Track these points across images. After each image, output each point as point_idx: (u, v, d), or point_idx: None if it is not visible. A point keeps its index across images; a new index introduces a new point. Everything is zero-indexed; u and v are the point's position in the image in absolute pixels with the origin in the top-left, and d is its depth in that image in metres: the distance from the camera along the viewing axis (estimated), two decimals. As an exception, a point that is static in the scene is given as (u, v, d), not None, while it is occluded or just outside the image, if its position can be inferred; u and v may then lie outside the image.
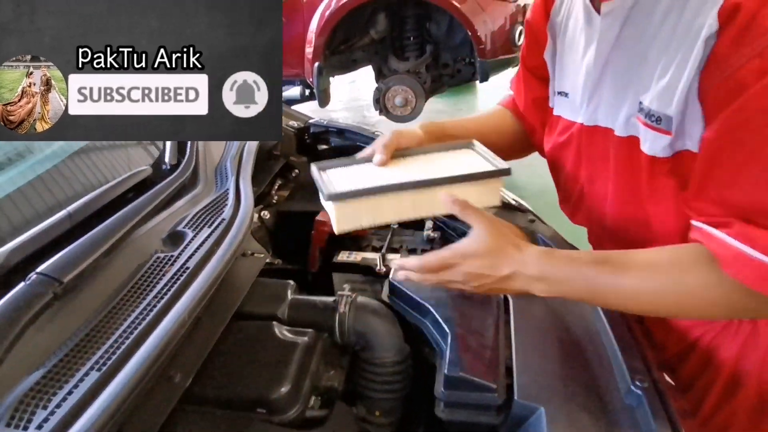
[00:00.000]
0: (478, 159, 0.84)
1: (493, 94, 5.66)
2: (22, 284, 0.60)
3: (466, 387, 0.74)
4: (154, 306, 0.64)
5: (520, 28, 3.56)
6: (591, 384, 0.77)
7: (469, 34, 3.43)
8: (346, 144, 1.40)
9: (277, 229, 1.28)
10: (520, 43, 3.63)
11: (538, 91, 0.98)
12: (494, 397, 0.73)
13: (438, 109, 5.18)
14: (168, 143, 1.00)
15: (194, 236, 0.79)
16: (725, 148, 0.63)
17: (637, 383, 0.73)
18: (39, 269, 0.62)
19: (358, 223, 0.77)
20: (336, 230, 0.76)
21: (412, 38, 3.80)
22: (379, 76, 3.97)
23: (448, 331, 0.81)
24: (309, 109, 4.15)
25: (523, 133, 1.04)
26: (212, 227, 0.81)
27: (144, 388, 0.60)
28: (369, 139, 1.37)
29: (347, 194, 0.73)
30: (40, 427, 0.49)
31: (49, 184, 0.79)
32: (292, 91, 3.88)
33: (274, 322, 0.86)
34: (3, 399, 0.51)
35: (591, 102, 0.82)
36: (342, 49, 3.78)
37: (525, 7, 3.62)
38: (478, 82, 3.86)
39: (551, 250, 0.75)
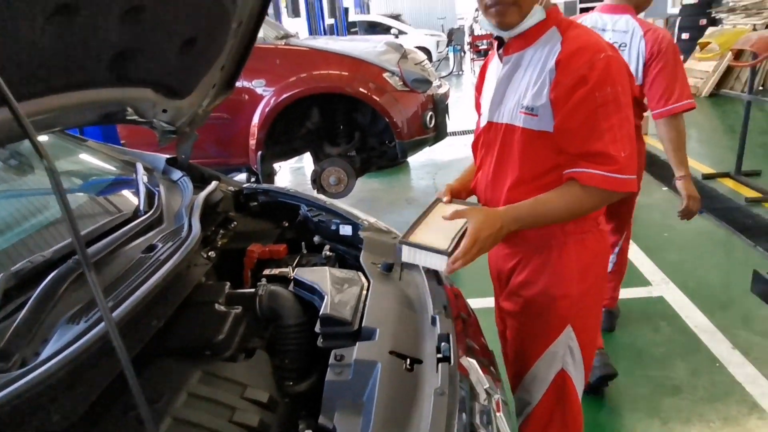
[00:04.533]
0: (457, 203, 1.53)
1: (421, 171, 6.37)
2: (66, 263, 1.06)
3: (333, 323, 1.22)
4: (140, 277, 1.11)
5: (429, 113, 4.27)
6: (411, 318, 1.26)
7: (388, 121, 4.11)
8: (270, 200, 1.92)
9: (220, 264, 1.75)
10: (431, 125, 4.34)
11: None
12: (350, 327, 1.21)
13: (373, 188, 5.80)
14: (142, 200, 1.50)
15: (162, 246, 1.27)
16: (573, 125, 1.27)
17: (435, 314, 1.23)
18: (74, 257, 1.08)
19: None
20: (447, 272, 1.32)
21: (342, 127, 4.46)
22: (316, 160, 4.58)
23: (324, 295, 1.30)
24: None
25: None
26: (174, 242, 1.29)
27: (136, 320, 1.06)
28: (287, 195, 1.90)
29: (452, 250, 1.30)
30: (88, 321, 0.95)
31: (81, 212, 1.28)
32: (239, 177, 4.42)
33: (216, 303, 1.33)
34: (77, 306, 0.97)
35: (492, 108, 1.44)
36: (282, 139, 4.39)
37: (433, 96, 4.35)
38: (403, 160, 4.54)
39: (508, 206, 1.34)
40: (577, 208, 1.32)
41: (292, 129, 4.41)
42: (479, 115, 1.58)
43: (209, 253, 1.72)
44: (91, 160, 1.82)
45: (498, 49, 1.44)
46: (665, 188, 4.93)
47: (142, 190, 1.54)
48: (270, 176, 4.34)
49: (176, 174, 1.81)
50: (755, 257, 3.57)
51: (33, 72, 0.86)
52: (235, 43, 1.62)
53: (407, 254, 1.36)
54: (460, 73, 14.30)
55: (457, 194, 1.58)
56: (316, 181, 4.35)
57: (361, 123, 4.46)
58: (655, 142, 6.39)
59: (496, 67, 1.47)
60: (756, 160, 5.14)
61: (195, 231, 1.36)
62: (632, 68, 2.16)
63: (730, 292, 3.15)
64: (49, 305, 0.99)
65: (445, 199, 1.53)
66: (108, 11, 0.93)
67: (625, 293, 3.28)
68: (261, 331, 1.38)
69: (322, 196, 1.77)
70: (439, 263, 1.32)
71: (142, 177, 1.62)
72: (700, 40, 5.67)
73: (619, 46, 2.19)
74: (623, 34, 2.19)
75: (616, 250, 2.75)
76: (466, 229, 1.33)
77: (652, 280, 3.41)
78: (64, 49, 0.89)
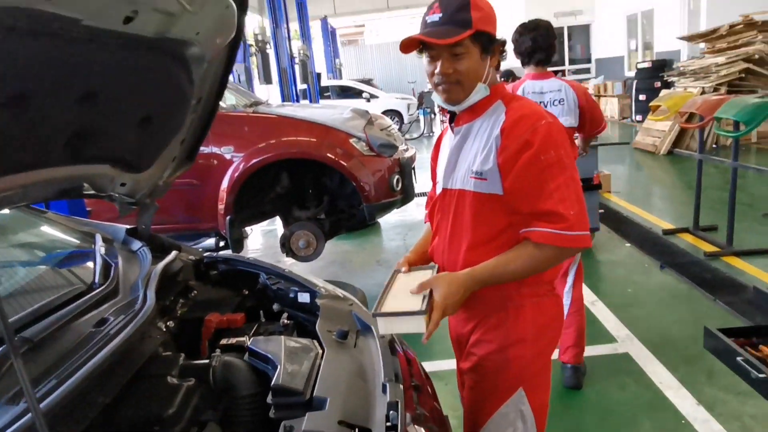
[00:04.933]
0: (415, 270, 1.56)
1: (392, 232, 6.44)
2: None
3: (285, 393, 1.22)
4: (87, 353, 1.11)
5: (396, 176, 4.37)
6: (363, 386, 1.27)
7: (355, 185, 4.20)
8: (230, 269, 1.93)
9: (180, 333, 1.74)
10: (398, 188, 4.44)
11: None
12: (302, 397, 1.21)
13: (345, 250, 5.83)
14: (97, 272, 1.51)
15: (114, 319, 1.27)
16: (522, 186, 1.35)
17: (385, 382, 1.24)
18: (20, 334, 1.08)
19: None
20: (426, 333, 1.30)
21: (310, 191, 4.53)
22: (286, 224, 4.61)
23: (278, 365, 1.30)
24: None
25: None
26: (126, 315, 1.30)
27: (82, 397, 1.05)
28: (246, 263, 1.92)
29: (426, 308, 1.30)
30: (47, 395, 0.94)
31: (35, 286, 1.28)
32: (208, 242, 4.41)
33: (168, 376, 1.32)
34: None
35: (446, 176, 1.52)
36: (251, 203, 4.43)
37: (400, 160, 4.47)
38: (371, 223, 4.60)
39: (470, 270, 1.39)
40: (534, 265, 1.38)
41: (261, 193, 4.46)
42: (434, 183, 1.66)
43: (168, 323, 1.72)
44: (50, 232, 1.83)
45: (450, 122, 1.55)
46: (629, 244, 5.07)
47: (99, 262, 1.55)
48: (239, 241, 4.34)
49: (136, 244, 1.82)
50: (716, 311, 3.66)
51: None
52: (195, 118, 1.68)
53: (384, 326, 1.35)
54: (431, 134, 14.71)
55: (414, 264, 1.62)
56: (285, 244, 4.37)
57: (330, 187, 4.54)
58: (617, 200, 6.63)
59: (449, 138, 1.57)
60: (713, 215, 5.34)
61: (149, 303, 1.37)
62: (572, 114, 2.90)
63: (693, 347, 3.21)
64: (-9, 385, 0.98)
65: (403, 269, 1.57)
66: (61, 97, 0.98)
67: (591, 350, 3.31)
68: (215, 403, 1.37)
69: (291, 261, 1.79)
70: (417, 325, 1.31)
71: (99, 248, 1.63)
72: (651, 103, 5.99)
73: (559, 101, 2.91)
74: (558, 92, 2.92)
75: (567, 287, 2.92)
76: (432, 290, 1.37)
77: (617, 337, 3.45)
78: (19, 132, 0.93)
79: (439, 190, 1.58)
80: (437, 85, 1.43)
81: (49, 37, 0.80)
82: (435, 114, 15.67)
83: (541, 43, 2.83)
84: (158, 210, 4.52)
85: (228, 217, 4.15)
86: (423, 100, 15.48)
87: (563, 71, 16.74)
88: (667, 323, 3.58)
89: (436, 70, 1.40)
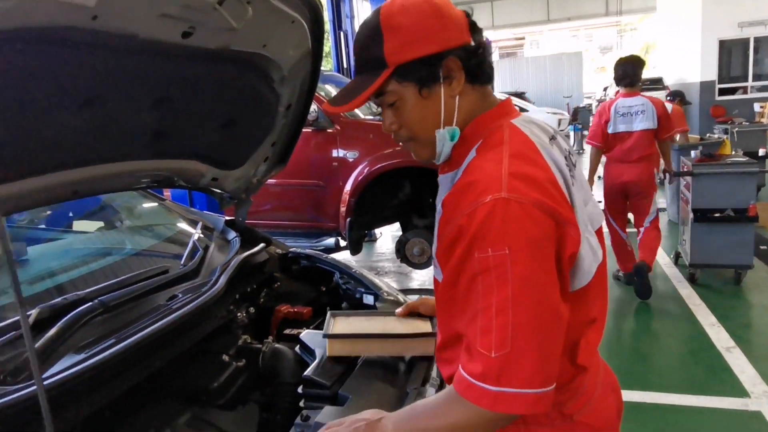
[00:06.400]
0: (426, 323, 1.39)
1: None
2: (90, 303, 1.27)
3: (314, 385, 1.29)
4: (150, 319, 1.28)
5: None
6: (389, 390, 1.30)
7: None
8: (310, 265, 2.06)
9: (258, 319, 1.91)
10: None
11: None
12: (328, 391, 1.27)
13: (465, 261, 5.78)
14: (185, 254, 1.71)
15: (183, 298, 1.44)
16: (454, 297, 0.90)
17: (410, 390, 1.26)
18: (100, 299, 1.29)
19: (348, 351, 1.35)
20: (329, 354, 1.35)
21: (430, 200, 4.59)
22: (404, 230, 4.72)
23: (317, 358, 1.38)
24: (344, 257, 4.88)
25: None
26: (194, 294, 1.46)
27: (137, 357, 1.22)
28: (325, 262, 2.03)
29: (342, 335, 1.35)
30: (88, 353, 1.12)
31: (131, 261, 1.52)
32: (328, 241, 4.67)
33: (224, 354, 1.46)
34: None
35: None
36: (372, 207, 4.60)
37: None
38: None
39: (394, 414, 0.97)
40: (452, 423, 0.87)
41: (382, 199, 4.61)
42: None
43: (249, 309, 1.89)
44: (162, 216, 2.11)
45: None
46: (789, 287, 4.39)
47: (190, 246, 1.76)
48: (358, 242, 4.52)
49: (231, 234, 2.02)
50: None
51: (67, 147, 1.09)
52: (287, 123, 1.83)
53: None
54: (581, 151, 13.97)
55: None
56: (401, 250, 4.47)
57: (450, 198, 4.56)
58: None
59: None
60: None
61: (218, 286, 1.53)
62: (651, 120, 4.11)
63: None
64: (65, 337, 1.18)
65: (398, 310, 1.43)
66: (135, 101, 1.15)
67: (715, 401, 2.95)
68: (262, 386, 1.49)
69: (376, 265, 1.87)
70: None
71: (195, 234, 1.85)
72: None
73: (642, 111, 4.11)
74: (641, 105, 4.13)
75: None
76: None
77: (751, 392, 3.02)
78: (95, 129, 1.11)
79: None
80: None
81: (105, 50, 0.95)
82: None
83: (629, 72, 4.15)
84: (287, 208, 4.85)
85: (348, 219, 4.35)
86: (578, 115, 14.75)
87: (744, 88, 14.89)
88: (820, 385, 3.05)
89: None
